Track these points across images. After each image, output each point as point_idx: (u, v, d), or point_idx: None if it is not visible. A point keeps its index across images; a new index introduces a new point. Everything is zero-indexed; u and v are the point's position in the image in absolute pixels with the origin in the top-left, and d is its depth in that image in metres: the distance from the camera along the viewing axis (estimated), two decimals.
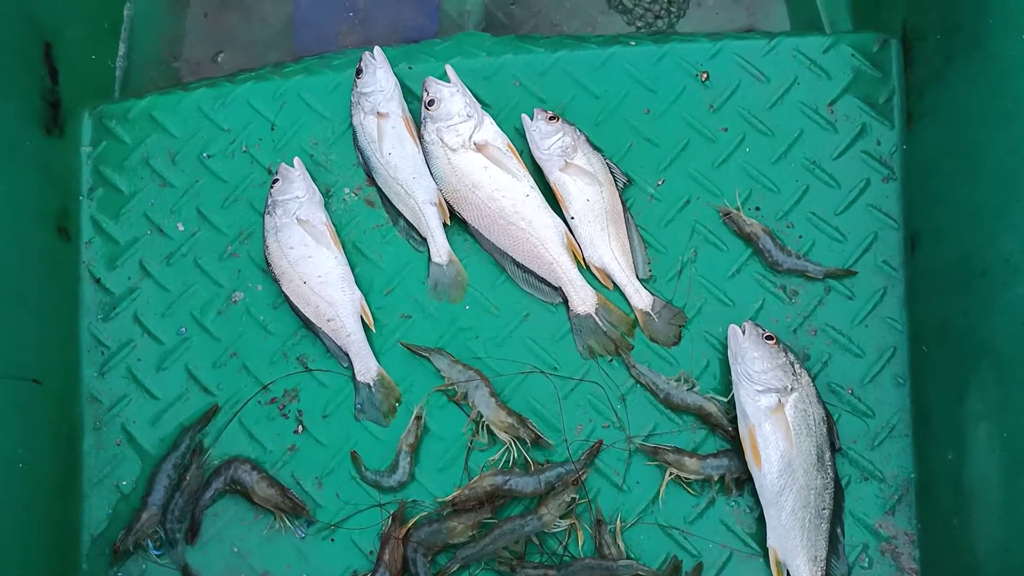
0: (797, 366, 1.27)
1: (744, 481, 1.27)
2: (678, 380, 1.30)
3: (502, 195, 1.36)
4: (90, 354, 1.39)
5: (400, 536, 1.25)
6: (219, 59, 1.69)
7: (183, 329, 1.40)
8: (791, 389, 1.25)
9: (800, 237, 1.36)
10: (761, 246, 1.35)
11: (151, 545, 1.28)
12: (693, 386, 1.30)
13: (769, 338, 1.27)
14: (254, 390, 1.36)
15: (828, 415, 1.27)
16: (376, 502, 1.29)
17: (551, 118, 1.38)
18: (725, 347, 1.31)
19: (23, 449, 1.22)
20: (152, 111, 1.50)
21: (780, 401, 1.24)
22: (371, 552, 1.27)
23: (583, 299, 1.35)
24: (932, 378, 1.24)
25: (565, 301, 1.35)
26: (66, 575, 1.27)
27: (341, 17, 1.69)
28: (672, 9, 1.66)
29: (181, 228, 1.44)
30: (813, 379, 1.28)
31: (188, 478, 1.30)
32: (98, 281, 1.43)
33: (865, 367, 1.31)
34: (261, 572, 1.27)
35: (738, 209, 1.37)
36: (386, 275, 1.39)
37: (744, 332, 1.28)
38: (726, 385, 1.31)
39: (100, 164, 1.48)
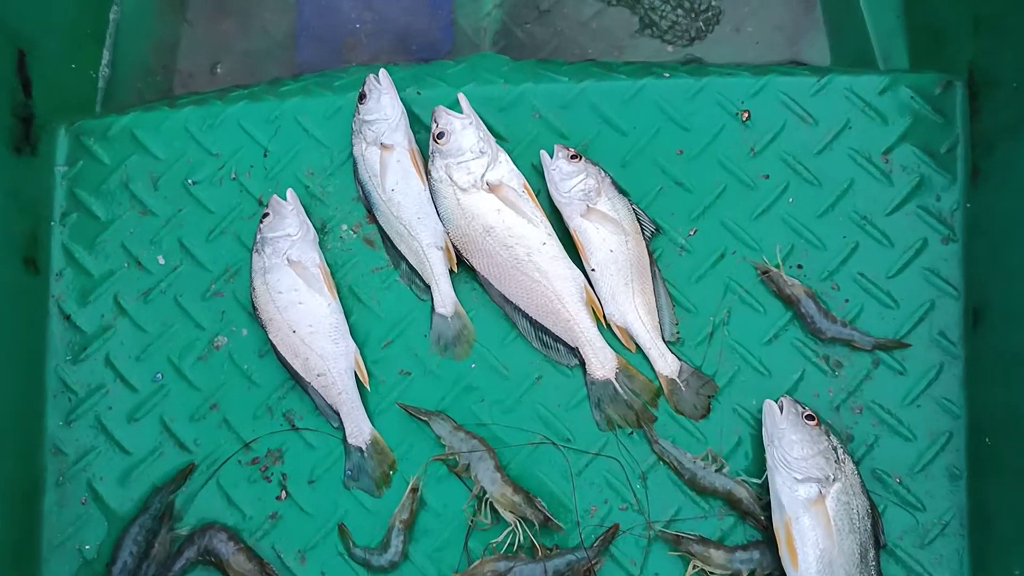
0: (840, 451, 1.13)
1: None
2: (705, 459, 1.17)
3: (516, 242, 1.22)
4: (56, 400, 1.27)
5: None
6: (218, 70, 1.55)
7: (159, 375, 1.27)
8: (833, 479, 1.11)
9: (846, 301, 1.22)
10: (803, 310, 1.21)
11: None
12: (722, 466, 1.17)
13: (810, 418, 1.14)
14: (234, 448, 1.23)
15: (873, 507, 1.13)
16: None
17: (573, 156, 1.24)
18: (759, 422, 1.18)
19: None
20: (134, 129, 1.36)
21: (821, 492, 1.10)
22: None
23: (602, 362, 1.21)
24: (996, 474, 1.10)
25: (582, 363, 1.22)
26: None
27: (347, 30, 1.55)
28: (701, 25, 1.51)
29: (161, 262, 1.31)
30: (857, 465, 1.14)
31: (157, 546, 1.18)
32: (68, 318, 1.30)
33: (916, 453, 1.17)
34: None
35: (778, 267, 1.23)
36: (385, 325, 1.26)
37: (782, 410, 1.15)
38: (759, 465, 1.17)
39: (75, 186, 1.35)
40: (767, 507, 1.14)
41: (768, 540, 1.14)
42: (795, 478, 1.11)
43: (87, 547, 1.20)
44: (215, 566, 1.17)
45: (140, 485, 1.23)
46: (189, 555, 1.18)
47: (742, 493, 1.15)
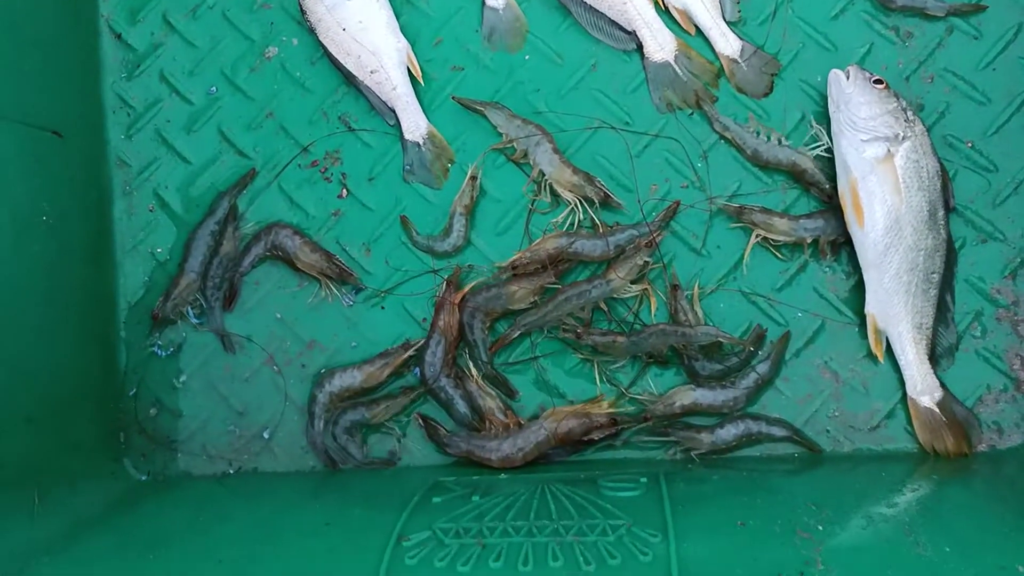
0: (910, 113, 1.09)
1: (841, 244, 1.12)
2: (765, 135, 1.14)
3: None
4: (115, 115, 1.27)
5: (456, 301, 1.14)
6: None
7: (214, 88, 1.27)
8: (903, 137, 1.08)
9: None
10: None
11: (191, 313, 1.20)
12: (780, 140, 1.14)
13: (878, 82, 1.10)
14: (293, 152, 1.23)
15: (943, 170, 1.10)
16: (429, 267, 1.18)
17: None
18: (824, 97, 1.14)
19: (47, 203, 1.12)
20: None
21: (889, 151, 1.08)
22: (424, 320, 1.17)
23: (661, 44, 1.17)
24: None
25: (640, 48, 1.18)
26: (104, 343, 1.20)
27: None
28: None
29: None
30: (928, 131, 1.10)
31: (225, 243, 1.21)
32: (119, 37, 1.29)
33: (990, 116, 1.13)
34: (307, 341, 1.19)
35: None
36: (434, 23, 1.23)
37: (848, 76, 1.11)
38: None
39: None
40: (833, 177, 1.12)
41: (832, 209, 1.12)
42: (862, 139, 1.08)
43: (159, 250, 1.24)
44: (283, 260, 1.20)
45: (203, 191, 1.24)
46: (257, 251, 1.21)
47: (806, 163, 1.13)
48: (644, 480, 0.95)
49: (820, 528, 0.83)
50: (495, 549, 0.83)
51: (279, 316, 1.20)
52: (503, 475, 1.06)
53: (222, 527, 0.97)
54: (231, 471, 1.17)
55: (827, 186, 1.12)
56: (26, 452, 1.04)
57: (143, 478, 1.18)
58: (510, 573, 0.79)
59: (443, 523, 0.88)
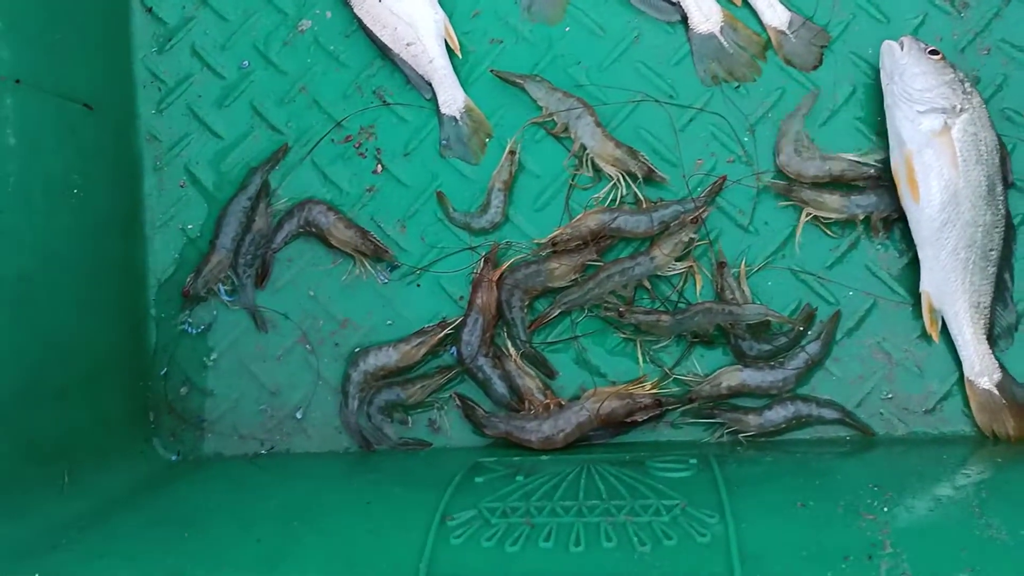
0: (967, 84, 1.05)
1: (894, 221, 1.08)
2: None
3: None
4: (146, 89, 1.25)
5: (494, 279, 1.11)
6: None
7: (246, 63, 1.24)
8: (960, 109, 1.04)
9: None
10: None
11: (223, 290, 1.17)
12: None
13: (933, 52, 1.06)
14: (326, 127, 1.20)
15: (1002, 144, 1.06)
16: (466, 244, 1.15)
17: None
18: (875, 70, 1.10)
19: (78, 175, 1.09)
20: None
21: (946, 123, 1.04)
22: (461, 298, 1.14)
23: (706, 15, 1.14)
24: None
25: (684, 19, 1.15)
26: (134, 319, 1.18)
27: None
28: None
29: None
30: (985, 104, 1.07)
31: (258, 220, 1.18)
32: (150, 10, 1.26)
33: None
34: (341, 319, 1.16)
35: None
36: None
37: (903, 47, 1.07)
38: (874, 114, 1.11)
39: None
40: (882, 161, 1.08)
41: (886, 184, 1.08)
42: (918, 111, 1.04)
43: (189, 226, 1.21)
44: (316, 237, 1.17)
45: (235, 167, 1.22)
46: (290, 228, 1.18)
47: (838, 166, 1.09)
48: (694, 461, 0.92)
49: (885, 510, 0.79)
50: (544, 529, 0.80)
51: (312, 294, 1.17)
52: (544, 456, 1.03)
53: (258, 506, 0.94)
54: (263, 451, 1.15)
55: (872, 171, 1.08)
56: (57, 428, 1.02)
57: (173, 458, 1.16)
58: (561, 554, 0.76)
59: (488, 502, 0.85)
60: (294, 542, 0.83)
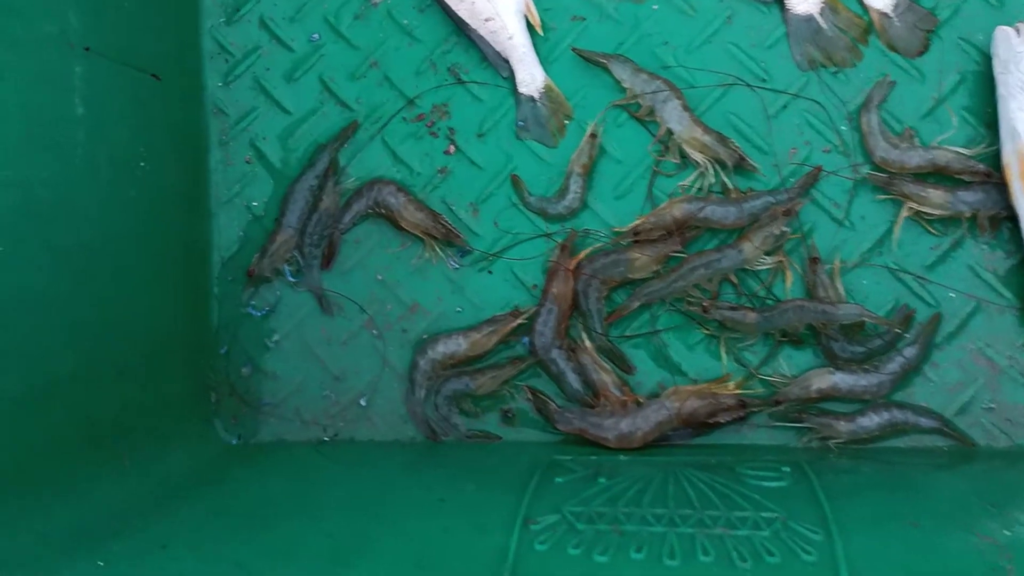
0: None
1: (1003, 219, 1.02)
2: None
3: None
4: (213, 61, 1.21)
5: (571, 267, 1.06)
6: None
7: (316, 36, 1.19)
8: None
9: None
10: None
11: (288, 270, 1.14)
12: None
13: None
14: (398, 105, 1.16)
15: None
16: (542, 231, 1.10)
17: None
18: (986, 58, 1.03)
19: (144, 148, 1.06)
20: None
21: None
22: (535, 286, 1.09)
23: None
24: None
25: None
26: (197, 296, 1.14)
27: None
28: None
29: None
30: None
31: (325, 199, 1.14)
32: None
33: None
34: (410, 304, 1.12)
35: None
36: None
37: (1019, 33, 1.00)
38: (982, 103, 1.04)
39: None
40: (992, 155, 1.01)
41: (994, 182, 1.01)
42: None
43: (255, 203, 1.17)
44: (385, 218, 1.13)
45: (303, 144, 1.18)
46: (359, 208, 1.14)
47: (944, 156, 1.02)
48: (787, 469, 0.87)
49: (1007, 532, 0.73)
50: (634, 538, 0.75)
51: (380, 277, 1.13)
52: (623, 456, 0.98)
53: (326, 498, 0.90)
54: (326, 438, 1.11)
55: (980, 166, 1.01)
56: (116, 407, 0.99)
57: (234, 441, 1.13)
58: (655, 567, 0.71)
59: (572, 506, 0.81)
60: (367, 541, 0.79)
